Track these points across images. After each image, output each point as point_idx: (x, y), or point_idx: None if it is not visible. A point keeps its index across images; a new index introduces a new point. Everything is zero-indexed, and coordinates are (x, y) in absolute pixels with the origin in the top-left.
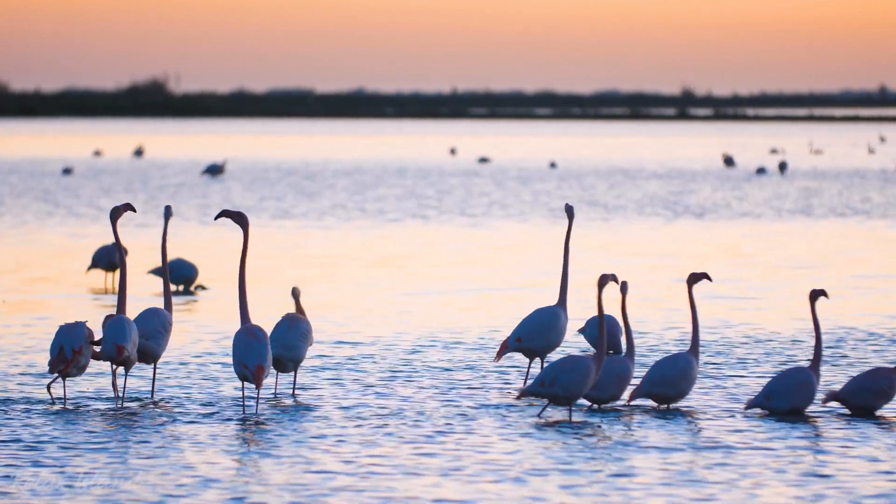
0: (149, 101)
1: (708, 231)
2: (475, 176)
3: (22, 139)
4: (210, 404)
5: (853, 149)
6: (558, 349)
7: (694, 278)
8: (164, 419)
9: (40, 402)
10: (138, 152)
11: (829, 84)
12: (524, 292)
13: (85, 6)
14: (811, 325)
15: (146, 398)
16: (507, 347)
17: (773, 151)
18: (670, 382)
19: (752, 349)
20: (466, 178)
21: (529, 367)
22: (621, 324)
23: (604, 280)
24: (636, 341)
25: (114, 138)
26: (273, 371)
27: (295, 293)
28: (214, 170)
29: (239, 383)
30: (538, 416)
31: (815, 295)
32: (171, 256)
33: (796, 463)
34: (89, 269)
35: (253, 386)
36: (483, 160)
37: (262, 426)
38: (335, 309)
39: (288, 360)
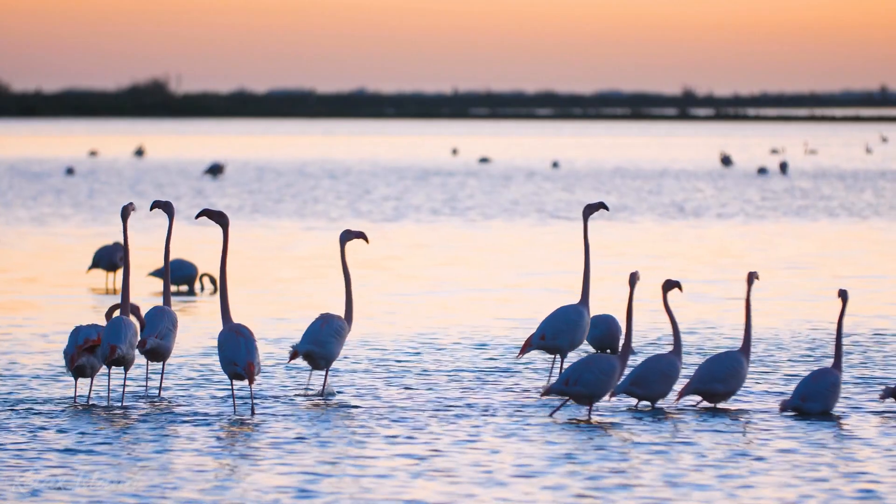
0: (149, 102)
1: (696, 231)
2: (475, 176)
3: (19, 139)
4: (201, 404)
5: (852, 149)
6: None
7: (752, 277)
8: (156, 420)
9: (37, 402)
10: (139, 152)
11: (830, 84)
12: (516, 293)
13: (85, 6)
14: (798, 326)
15: (137, 396)
16: (530, 345)
17: (774, 152)
18: (720, 379)
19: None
20: (466, 179)
21: (553, 365)
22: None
23: (634, 279)
24: (631, 342)
25: (114, 139)
26: (258, 370)
27: (344, 237)
28: (216, 170)
29: (237, 384)
30: (550, 415)
31: (845, 296)
32: (171, 257)
33: (820, 465)
34: (90, 268)
35: (244, 385)
36: (484, 160)
37: (251, 426)
38: (330, 309)
39: (319, 356)
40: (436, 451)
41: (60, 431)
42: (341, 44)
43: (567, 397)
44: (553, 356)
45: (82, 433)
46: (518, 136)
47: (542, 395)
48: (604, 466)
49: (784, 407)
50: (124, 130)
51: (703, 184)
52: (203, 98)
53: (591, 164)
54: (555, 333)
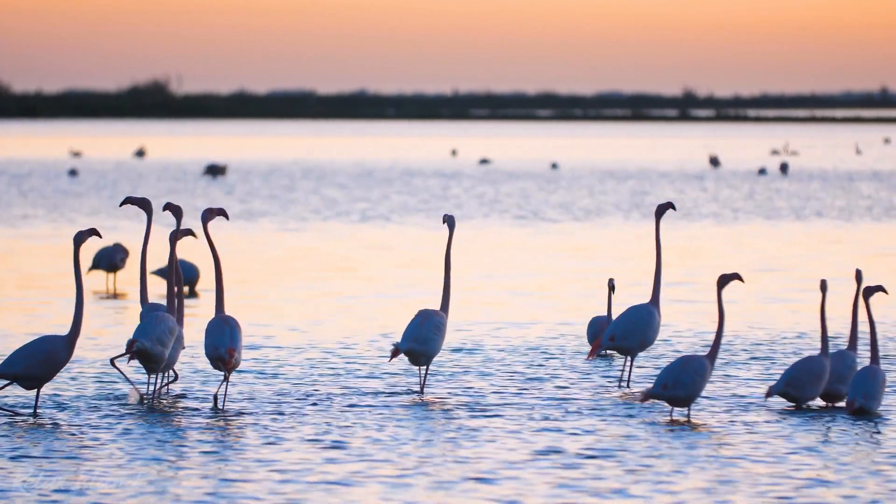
0: (150, 102)
1: (674, 232)
2: (472, 178)
3: (16, 140)
4: (190, 402)
5: (840, 150)
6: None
7: (859, 274)
8: (136, 418)
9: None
10: (139, 153)
11: (831, 85)
12: (501, 295)
13: (86, 7)
14: (777, 327)
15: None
16: (600, 346)
17: (775, 153)
18: (845, 381)
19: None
20: (463, 180)
21: (625, 365)
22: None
23: (724, 280)
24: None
25: (115, 140)
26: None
27: (451, 222)
28: (215, 171)
29: (239, 382)
30: (671, 417)
31: (870, 291)
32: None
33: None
34: (90, 269)
35: (239, 383)
36: (484, 161)
37: (235, 424)
38: (323, 310)
39: (420, 353)
40: (534, 454)
41: (46, 432)
42: (342, 45)
43: (664, 400)
44: (624, 357)
45: (70, 429)
46: (518, 137)
47: (642, 400)
48: (712, 467)
49: (851, 407)
50: (125, 131)
51: (689, 185)
52: (203, 99)
53: (591, 166)
54: (625, 334)
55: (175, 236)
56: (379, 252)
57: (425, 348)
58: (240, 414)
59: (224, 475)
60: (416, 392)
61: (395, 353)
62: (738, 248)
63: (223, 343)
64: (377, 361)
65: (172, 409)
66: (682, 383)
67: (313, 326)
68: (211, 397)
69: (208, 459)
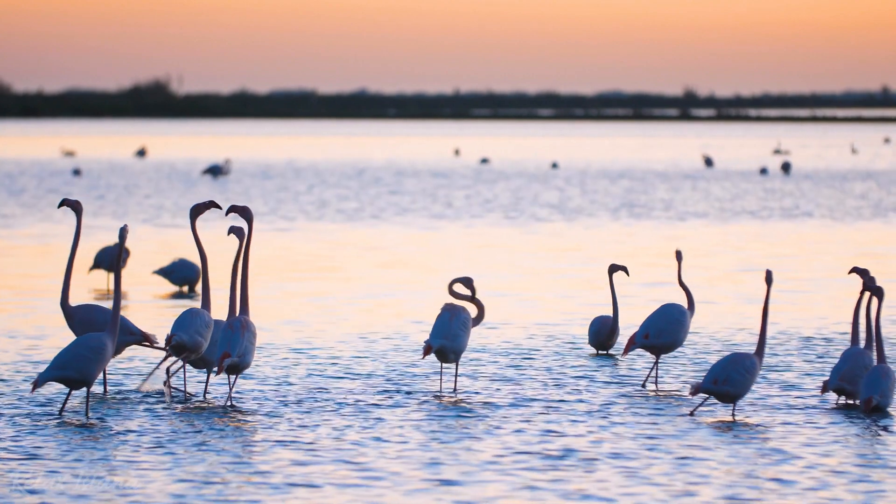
0: (151, 102)
1: (671, 231)
2: (471, 178)
3: (16, 139)
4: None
5: (834, 150)
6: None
7: (867, 274)
8: (126, 414)
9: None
10: (140, 153)
11: (832, 85)
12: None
13: (87, 7)
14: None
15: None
16: (634, 343)
17: (777, 152)
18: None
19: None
20: (460, 180)
21: (657, 365)
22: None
23: (770, 278)
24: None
25: (116, 139)
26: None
27: (453, 288)
28: (216, 170)
29: (247, 380)
30: (691, 413)
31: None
32: (175, 257)
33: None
34: (91, 269)
35: (246, 380)
36: (484, 161)
37: (239, 421)
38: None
39: (450, 350)
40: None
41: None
42: (343, 44)
43: (710, 395)
44: (656, 356)
45: (62, 427)
46: (520, 137)
47: (693, 393)
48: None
49: (867, 405)
50: (126, 131)
51: (685, 185)
52: (205, 99)
53: (591, 165)
54: (658, 332)
55: (237, 232)
56: (372, 252)
57: (454, 345)
58: (227, 414)
59: (198, 476)
60: (448, 392)
61: (427, 351)
62: (736, 248)
63: (220, 349)
64: (367, 361)
65: (164, 410)
66: (732, 380)
67: (303, 326)
68: (204, 397)
69: (191, 459)
